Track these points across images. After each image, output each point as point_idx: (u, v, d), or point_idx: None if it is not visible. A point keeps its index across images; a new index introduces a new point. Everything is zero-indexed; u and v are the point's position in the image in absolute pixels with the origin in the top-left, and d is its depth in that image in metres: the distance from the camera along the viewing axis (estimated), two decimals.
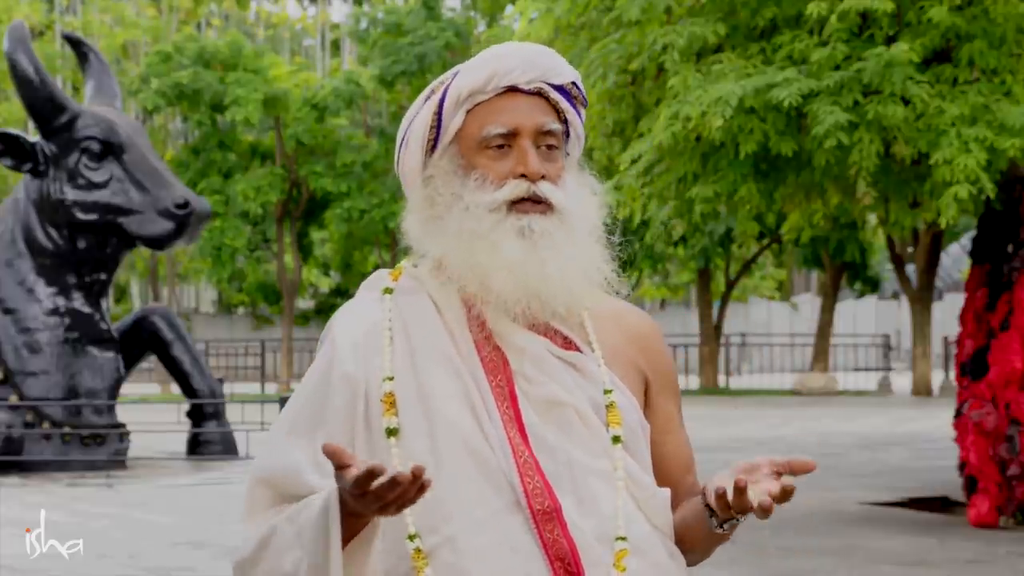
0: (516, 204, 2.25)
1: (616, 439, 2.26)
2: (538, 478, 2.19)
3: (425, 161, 2.33)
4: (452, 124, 2.31)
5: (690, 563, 2.35)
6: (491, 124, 2.28)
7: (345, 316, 2.33)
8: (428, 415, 2.22)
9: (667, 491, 2.32)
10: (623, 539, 2.21)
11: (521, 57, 2.31)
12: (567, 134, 2.36)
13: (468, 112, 2.30)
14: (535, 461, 2.21)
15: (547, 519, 2.18)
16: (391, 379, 2.24)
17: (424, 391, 2.23)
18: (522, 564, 2.17)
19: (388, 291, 2.34)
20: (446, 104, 2.31)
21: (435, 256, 2.31)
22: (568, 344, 2.31)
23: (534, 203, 2.26)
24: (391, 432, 2.22)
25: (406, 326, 2.29)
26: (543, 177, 2.26)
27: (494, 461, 2.20)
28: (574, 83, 2.35)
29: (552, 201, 2.26)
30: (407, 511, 2.16)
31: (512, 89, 2.30)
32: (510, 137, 2.28)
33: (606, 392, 2.28)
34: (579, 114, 2.38)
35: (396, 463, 2.19)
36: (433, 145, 2.33)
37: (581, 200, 2.31)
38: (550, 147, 2.30)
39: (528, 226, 2.24)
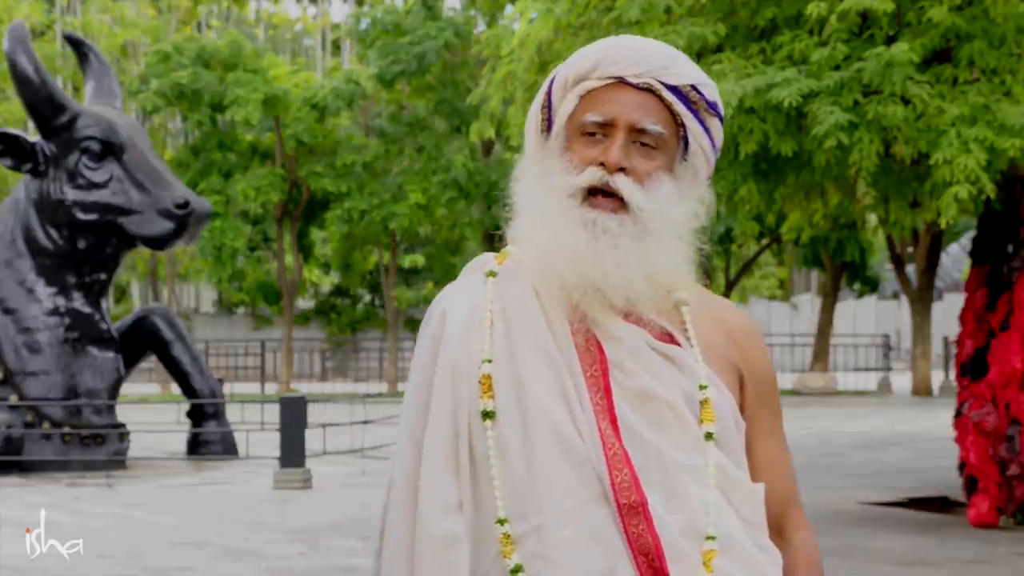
0: (591, 196, 2.26)
1: (709, 435, 2.25)
2: (627, 471, 2.18)
3: (542, 141, 2.38)
4: (564, 107, 2.35)
5: None
6: (591, 112, 2.30)
7: (449, 297, 2.35)
8: (521, 402, 2.22)
9: (762, 486, 2.29)
10: (712, 538, 2.20)
11: (631, 50, 2.33)
12: (686, 139, 2.35)
13: (581, 98, 2.33)
14: (625, 453, 2.20)
15: (633, 513, 2.17)
16: (490, 361, 2.25)
17: (518, 377, 2.24)
18: (606, 557, 2.16)
19: (492, 274, 2.35)
20: (555, 87, 2.36)
21: (518, 231, 2.34)
22: (665, 336, 2.30)
23: (607, 197, 2.26)
24: (487, 415, 2.23)
25: (505, 310, 2.30)
26: (623, 170, 2.26)
27: (584, 452, 2.19)
28: (693, 87, 2.33)
29: (625, 197, 2.25)
30: (498, 494, 2.19)
31: (622, 82, 2.32)
32: (605, 127, 2.29)
33: (701, 387, 2.27)
34: (701, 120, 2.35)
35: (491, 447, 2.21)
36: (548, 126, 2.38)
37: (668, 203, 2.29)
38: (645, 145, 2.29)
39: (594, 220, 2.25)
